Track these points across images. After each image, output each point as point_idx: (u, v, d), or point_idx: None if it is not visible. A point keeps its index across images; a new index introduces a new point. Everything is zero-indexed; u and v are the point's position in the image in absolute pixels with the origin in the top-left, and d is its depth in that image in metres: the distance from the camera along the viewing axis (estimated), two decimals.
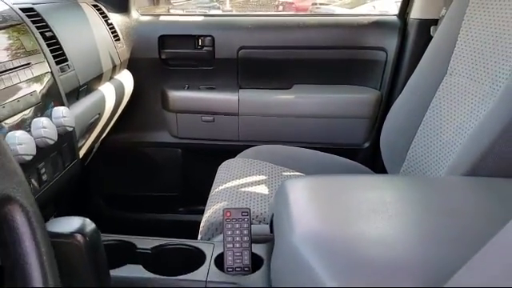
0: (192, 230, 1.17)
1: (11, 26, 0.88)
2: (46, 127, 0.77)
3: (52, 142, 0.79)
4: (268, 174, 1.26)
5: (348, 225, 0.66)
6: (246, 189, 1.17)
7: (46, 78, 0.91)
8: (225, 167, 1.33)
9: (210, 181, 1.28)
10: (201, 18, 1.71)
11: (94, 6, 1.44)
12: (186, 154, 1.77)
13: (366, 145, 1.64)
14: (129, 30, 1.62)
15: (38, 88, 0.87)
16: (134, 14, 1.68)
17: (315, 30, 1.61)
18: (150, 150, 1.77)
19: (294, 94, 1.64)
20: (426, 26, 1.48)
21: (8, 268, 0.37)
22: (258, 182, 1.21)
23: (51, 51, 0.99)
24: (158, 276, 0.82)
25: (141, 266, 0.84)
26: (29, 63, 0.86)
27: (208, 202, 1.17)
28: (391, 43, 1.55)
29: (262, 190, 1.17)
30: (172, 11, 2.06)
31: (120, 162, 1.78)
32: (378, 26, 1.59)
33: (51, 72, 0.94)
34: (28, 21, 0.95)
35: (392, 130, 1.26)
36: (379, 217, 0.67)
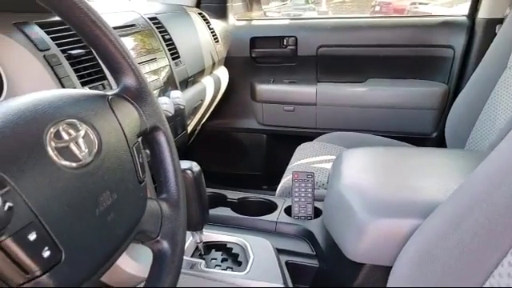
0: None
1: (144, 30, 1.21)
2: (166, 103, 1.07)
3: (170, 115, 1.10)
4: (337, 154, 1.46)
5: (383, 179, 0.87)
6: (316, 164, 1.40)
7: (166, 69, 1.23)
8: (302, 148, 1.56)
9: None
10: (286, 22, 1.96)
11: (199, 13, 1.77)
12: (269, 139, 2.04)
13: (434, 134, 1.77)
14: (226, 33, 1.93)
15: (161, 76, 1.19)
16: (231, 19, 1.99)
17: (387, 30, 1.78)
18: (239, 134, 2.07)
19: (368, 86, 1.82)
20: (493, 25, 1.57)
21: (155, 168, 0.64)
22: (327, 160, 1.42)
23: (168, 50, 1.31)
24: (241, 215, 1.09)
25: (229, 209, 1.12)
26: (155, 58, 1.18)
27: (285, 173, 1.41)
28: (459, 41, 1.67)
29: (329, 165, 1.38)
30: (266, 15, 2.34)
31: (215, 144, 2.10)
32: (447, 25, 1.71)
33: (169, 65, 1.26)
34: (154, 27, 1.28)
35: (455, 120, 1.39)
36: (409, 174, 0.87)
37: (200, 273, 0.85)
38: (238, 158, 2.11)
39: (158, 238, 0.56)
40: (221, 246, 0.95)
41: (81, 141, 0.46)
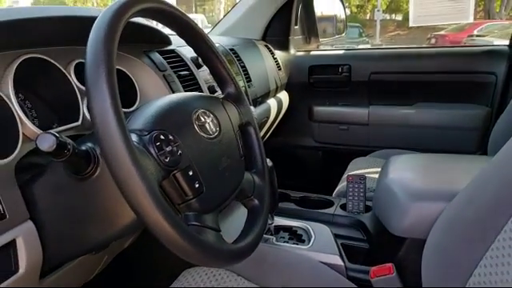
0: None
1: (226, 58, 1.49)
2: (254, 110, 1.32)
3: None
4: None
5: (421, 174, 1.06)
6: (368, 174, 1.59)
7: (243, 90, 1.50)
8: (355, 162, 1.76)
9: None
10: (341, 52, 2.20)
11: (265, 45, 2.05)
12: (325, 155, 2.25)
13: (479, 153, 1.91)
14: (287, 62, 2.20)
15: None
16: (292, 50, 2.26)
17: (434, 59, 1.98)
18: (297, 151, 2.30)
19: (416, 109, 2.00)
20: None
21: (247, 152, 0.88)
22: (377, 171, 1.61)
23: (244, 74, 1.59)
24: (302, 208, 1.31)
25: (292, 204, 1.34)
26: None
27: (340, 180, 1.62)
28: (501, 68, 1.83)
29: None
30: (321, 47, 2.60)
31: (275, 159, 2.33)
32: (490, 54, 1.88)
33: (245, 86, 1.53)
34: (233, 56, 1.56)
35: (497, 139, 1.54)
36: (441, 171, 1.06)
37: (272, 245, 1.08)
38: (295, 172, 2.33)
39: (252, 197, 0.80)
40: (287, 229, 1.17)
41: (211, 123, 0.71)
